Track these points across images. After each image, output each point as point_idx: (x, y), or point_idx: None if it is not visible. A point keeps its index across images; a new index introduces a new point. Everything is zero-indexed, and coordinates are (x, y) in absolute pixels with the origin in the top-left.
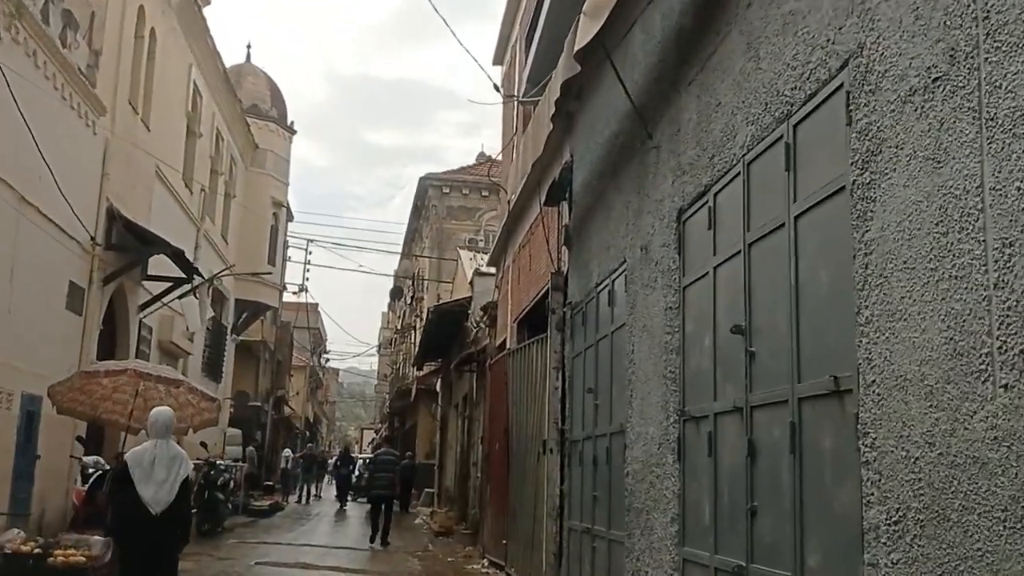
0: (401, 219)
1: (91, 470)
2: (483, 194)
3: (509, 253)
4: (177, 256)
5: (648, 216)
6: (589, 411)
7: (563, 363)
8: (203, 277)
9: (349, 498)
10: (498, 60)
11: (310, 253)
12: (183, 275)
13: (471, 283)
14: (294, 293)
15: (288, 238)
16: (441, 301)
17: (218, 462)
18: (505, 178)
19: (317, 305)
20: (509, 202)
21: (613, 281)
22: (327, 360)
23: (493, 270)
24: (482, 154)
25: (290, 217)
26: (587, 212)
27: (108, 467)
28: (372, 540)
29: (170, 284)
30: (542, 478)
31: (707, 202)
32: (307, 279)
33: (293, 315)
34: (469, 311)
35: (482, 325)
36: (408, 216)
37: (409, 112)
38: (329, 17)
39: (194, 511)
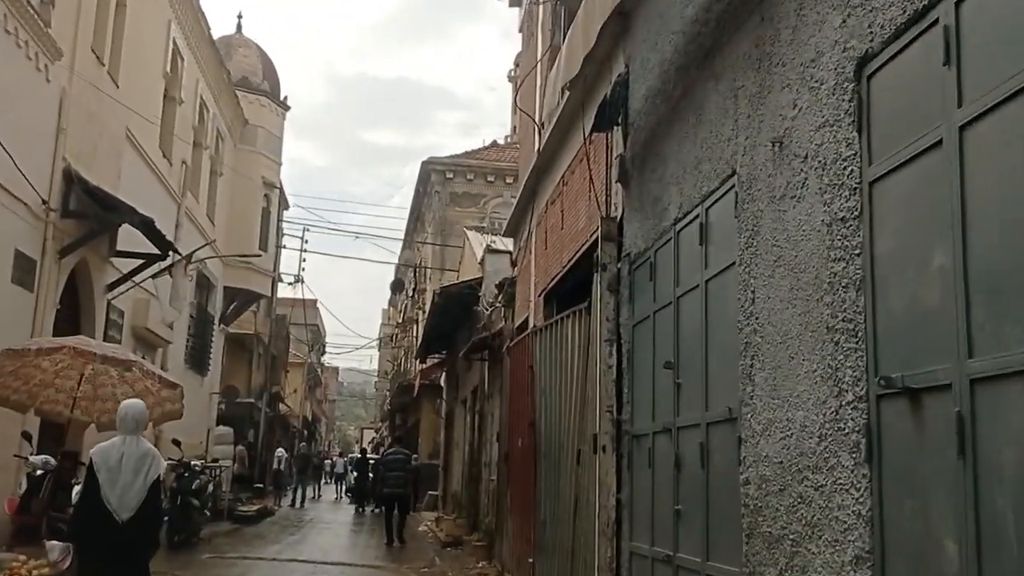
0: (401, 217)
1: (39, 471)
2: (488, 179)
3: (532, 217)
4: (147, 226)
5: (784, 94)
6: (665, 394)
7: (618, 334)
8: (180, 254)
9: (367, 504)
10: (515, 1)
11: (306, 242)
12: (157, 251)
13: (481, 263)
14: (290, 284)
15: (283, 224)
16: (448, 283)
17: (193, 463)
18: (525, 129)
19: (316, 301)
20: (540, 129)
21: (707, 210)
22: (323, 353)
23: (506, 247)
24: (484, 148)
25: (286, 205)
26: (656, 129)
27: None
28: (390, 543)
29: (142, 261)
30: (587, 484)
31: (934, 20)
32: (303, 269)
33: (291, 310)
34: (480, 293)
35: (497, 305)
36: (409, 205)
37: (408, 112)
38: (328, 17)
39: (165, 519)
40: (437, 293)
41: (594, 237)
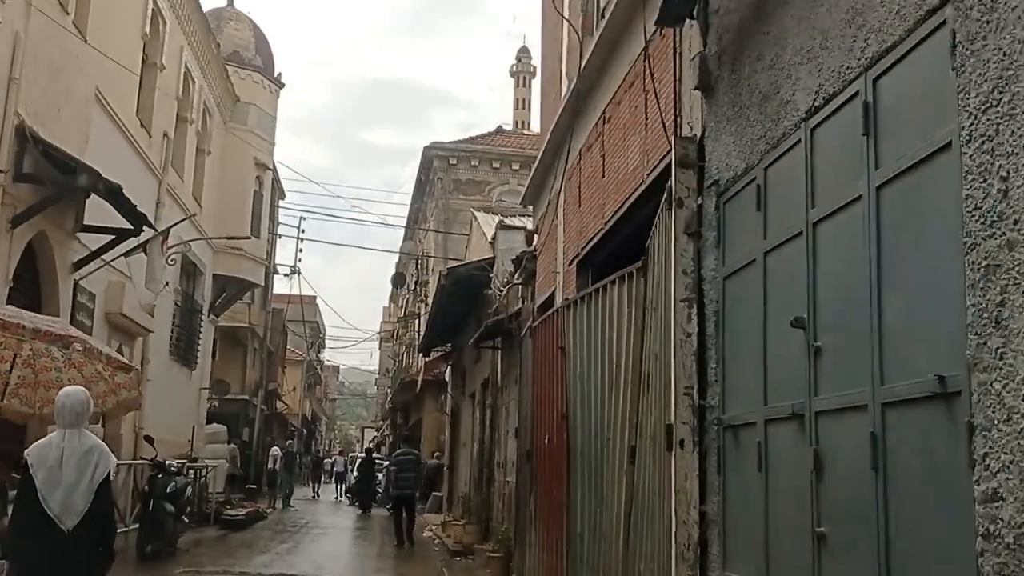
0: (400, 217)
1: None
2: (494, 166)
3: (561, 172)
4: (113, 194)
5: None
6: (789, 365)
7: (700, 290)
8: (154, 229)
9: (374, 504)
10: None
11: (303, 231)
12: (129, 226)
13: (493, 241)
14: (285, 275)
15: (278, 210)
16: (457, 264)
17: (169, 462)
18: (550, 75)
19: (315, 298)
20: (581, 39)
21: (874, 81)
22: (322, 347)
23: (520, 223)
24: (489, 134)
25: (281, 194)
26: (762, 1)
27: None
28: (400, 545)
29: (112, 237)
30: (648, 491)
31: None
32: (299, 260)
33: (291, 307)
34: (491, 274)
35: (514, 283)
36: (411, 197)
37: (408, 112)
38: (328, 17)
39: (136, 526)
40: (444, 275)
41: (653, 176)
